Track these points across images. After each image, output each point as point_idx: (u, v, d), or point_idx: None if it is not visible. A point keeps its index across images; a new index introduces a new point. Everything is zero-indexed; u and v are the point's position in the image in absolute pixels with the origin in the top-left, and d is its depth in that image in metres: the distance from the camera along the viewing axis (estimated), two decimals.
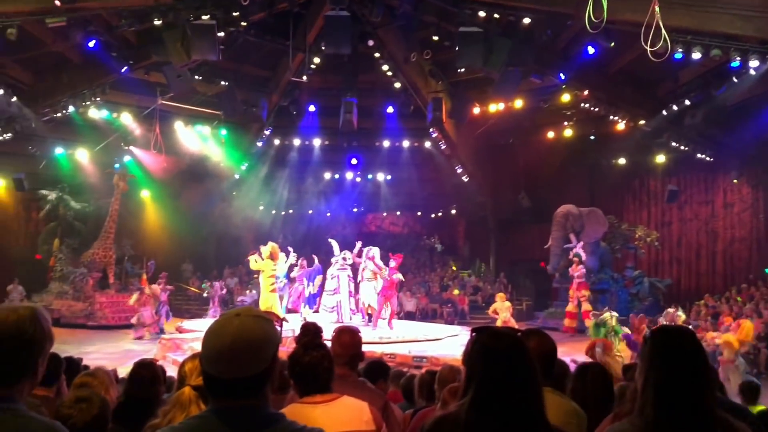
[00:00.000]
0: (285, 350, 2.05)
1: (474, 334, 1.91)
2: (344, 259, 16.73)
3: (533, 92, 18.78)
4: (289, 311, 17.79)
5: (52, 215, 22.47)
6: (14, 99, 16.48)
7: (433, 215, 28.12)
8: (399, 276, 15.65)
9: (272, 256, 14.41)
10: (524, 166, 23.44)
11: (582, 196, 22.66)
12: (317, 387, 2.46)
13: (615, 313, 12.65)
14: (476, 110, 19.51)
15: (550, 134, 21.51)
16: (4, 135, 18.14)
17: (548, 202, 22.50)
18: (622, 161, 21.67)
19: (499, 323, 13.50)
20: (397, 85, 19.81)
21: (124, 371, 5.97)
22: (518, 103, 18.94)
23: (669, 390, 1.82)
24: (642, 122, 17.86)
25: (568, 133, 20.96)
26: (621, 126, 18.94)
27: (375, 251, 16.36)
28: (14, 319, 1.78)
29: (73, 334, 16.76)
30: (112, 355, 14.05)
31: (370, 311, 16.03)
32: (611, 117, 18.37)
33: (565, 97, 18.61)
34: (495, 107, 19.33)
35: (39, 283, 20.91)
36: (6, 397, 1.74)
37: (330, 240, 17.48)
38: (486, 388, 1.78)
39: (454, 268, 25.85)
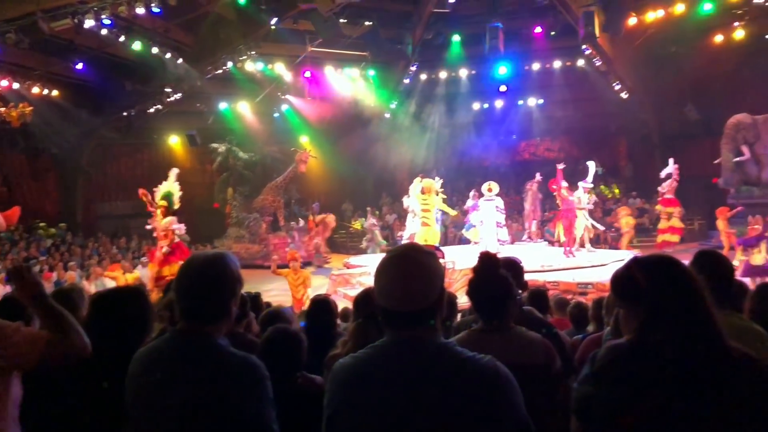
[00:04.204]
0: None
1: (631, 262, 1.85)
2: (489, 190, 16.43)
3: None
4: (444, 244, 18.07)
5: (224, 166, 24.17)
6: (180, 60, 17.80)
7: (590, 137, 26.71)
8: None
9: (423, 191, 14.58)
10: (690, 76, 21.42)
11: (761, 102, 20.29)
12: (493, 316, 2.51)
13: None
14: (632, 21, 18.02)
15: (719, 38, 19.42)
16: (175, 95, 19.77)
17: (720, 113, 20.50)
18: None
19: None
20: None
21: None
22: (679, 8, 17.26)
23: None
24: None
25: (739, 34, 18.76)
26: None
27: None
28: (206, 265, 1.99)
29: (252, 275, 18.12)
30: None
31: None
32: None
33: None
34: (653, 15, 17.79)
35: (219, 229, 22.85)
36: (206, 334, 1.96)
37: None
38: (653, 314, 1.72)
39: (616, 191, 24.49)
